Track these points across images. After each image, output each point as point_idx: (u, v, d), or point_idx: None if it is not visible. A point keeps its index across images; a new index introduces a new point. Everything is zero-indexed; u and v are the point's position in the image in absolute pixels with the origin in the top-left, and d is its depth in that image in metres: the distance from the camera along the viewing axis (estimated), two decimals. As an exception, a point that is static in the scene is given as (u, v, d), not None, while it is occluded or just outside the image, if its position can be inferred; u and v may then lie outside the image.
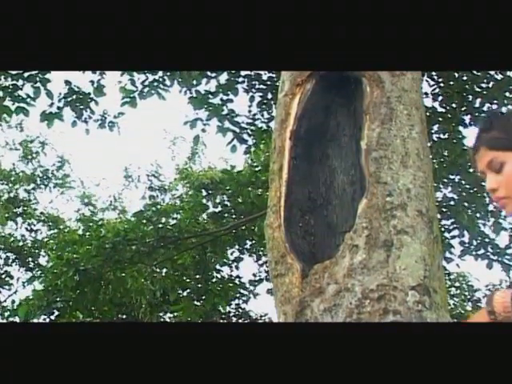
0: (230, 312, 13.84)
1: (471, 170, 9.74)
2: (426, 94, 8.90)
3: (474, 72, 8.70)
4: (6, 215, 17.50)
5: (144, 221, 10.47)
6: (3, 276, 16.98)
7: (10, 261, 16.99)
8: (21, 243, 17.37)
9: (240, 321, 14.01)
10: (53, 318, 11.21)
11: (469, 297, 16.07)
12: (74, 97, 8.98)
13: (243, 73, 9.20)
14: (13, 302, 14.81)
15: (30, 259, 16.87)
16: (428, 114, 8.44)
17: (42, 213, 18.20)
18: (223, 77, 9.10)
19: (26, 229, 18.01)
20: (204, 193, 12.27)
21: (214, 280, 12.34)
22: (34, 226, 18.06)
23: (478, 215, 10.11)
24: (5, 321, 13.63)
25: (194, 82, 8.94)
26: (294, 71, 3.66)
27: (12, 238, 17.37)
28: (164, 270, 11.99)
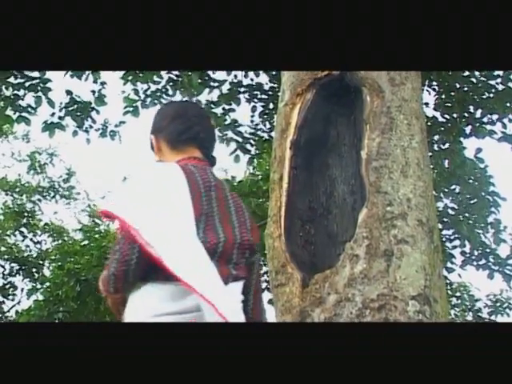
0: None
1: (471, 181, 9.75)
2: (427, 104, 8.91)
3: (475, 82, 8.70)
4: (12, 225, 17.52)
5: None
6: (7, 287, 16.97)
7: (15, 271, 16.99)
8: (25, 254, 17.38)
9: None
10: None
11: (469, 307, 16.02)
12: (75, 106, 8.98)
13: (245, 82, 9.21)
14: (16, 312, 14.78)
15: (34, 270, 16.87)
16: (429, 123, 8.45)
17: (46, 224, 18.21)
18: (225, 86, 9.11)
19: (31, 239, 18.03)
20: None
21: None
22: (39, 236, 18.08)
23: (478, 225, 10.10)
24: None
25: (195, 92, 8.92)
26: (294, 80, 3.66)
27: (17, 249, 17.38)
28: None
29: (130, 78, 8.78)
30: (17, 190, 18.58)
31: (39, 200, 18.97)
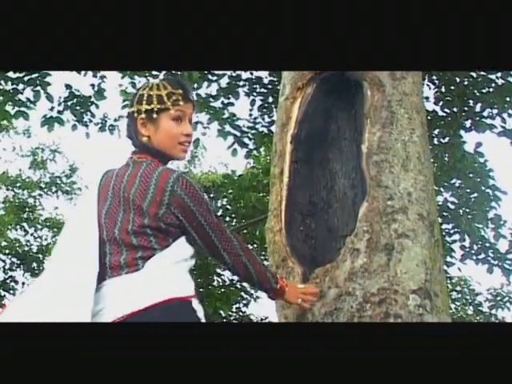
0: (231, 316, 13.84)
1: (471, 175, 9.74)
2: (427, 98, 8.91)
3: (475, 76, 8.70)
4: (14, 220, 17.50)
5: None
6: (8, 281, 16.96)
7: (15, 266, 16.99)
8: (26, 248, 17.37)
9: (241, 325, 14.00)
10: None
11: (470, 301, 16.05)
12: (75, 100, 8.97)
13: (244, 76, 9.19)
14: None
15: (35, 265, 16.86)
16: (429, 117, 8.44)
17: (47, 219, 18.19)
18: (224, 80, 9.10)
19: (31, 234, 18.02)
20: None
21: (215, 284, 12.34)
22: (40, 231, 18.07)
23: (477, 219, 10.10)
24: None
25: (195, 86, 8.92)
26: (294, 74, 3.66)
27: (17, 244, 17.37)
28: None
29: (127, 71, 8.76)
30: (18, 184, 18.56)
31: (40, 195, 18.96)
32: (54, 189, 19.17)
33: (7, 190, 18.46)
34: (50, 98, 8.44)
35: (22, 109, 8.36)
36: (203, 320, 2.53)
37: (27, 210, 17.95)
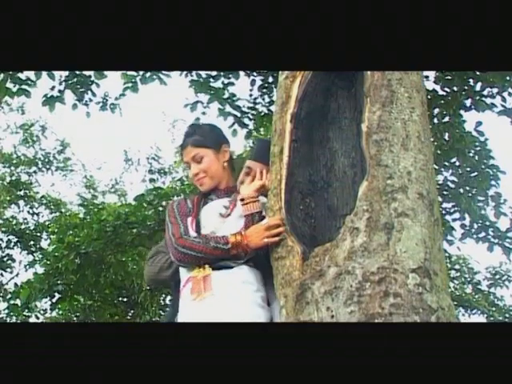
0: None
1: (471, 154, 9.74)
2: (427, 77, 8.89)
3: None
4: (8, 198, 17.50)
5: (145, 204, 10.44)
6: (5, 259, 16.99)
7: (12, 244, 17.00)
8: (23, 226, 17.38)
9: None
10: (54, 300, 11.25)
11: (469, 279, 16.07)
12: (75, 79, 8.94)
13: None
14: (15, 285, 14.80)
15: (32, 242, 16.88)
16: (429, 97, 8.42)
17: (43, 196, 18.20)
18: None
19: (28, 212, 18.03)
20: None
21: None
22: (36, 209, 18.07)
23: (479, 198, 10.10)
24: (6, 304, 13.68)
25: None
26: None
27: (14, 221, 17.39)
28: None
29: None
30: (13, 161, 18.53)
31: (35, 172, 18.94)
32: (47, 166, 19.15)
33: (3, 167, 18.44)
34: (51, 75, 8.42)
35: (24, 86, 8.35)
36: None
37: (23, 187, 17.94)
